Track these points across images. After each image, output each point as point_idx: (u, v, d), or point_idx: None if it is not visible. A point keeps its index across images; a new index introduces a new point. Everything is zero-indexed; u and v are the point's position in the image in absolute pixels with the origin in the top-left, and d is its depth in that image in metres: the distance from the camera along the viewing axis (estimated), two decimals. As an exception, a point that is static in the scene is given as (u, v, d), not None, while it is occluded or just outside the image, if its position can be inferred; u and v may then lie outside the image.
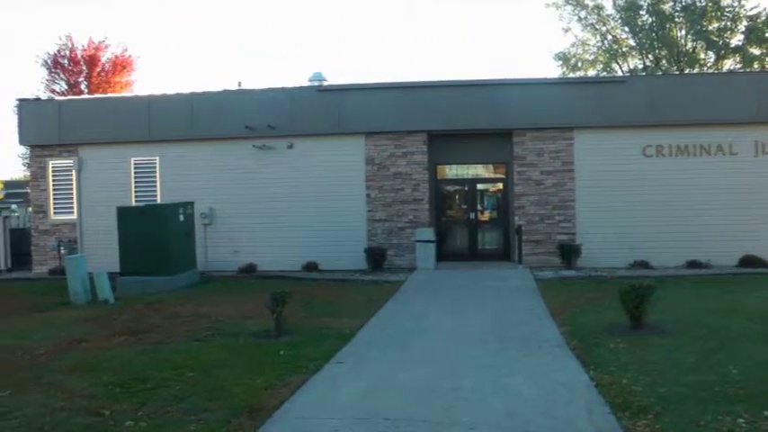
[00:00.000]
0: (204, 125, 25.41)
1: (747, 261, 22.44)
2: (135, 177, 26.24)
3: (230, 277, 23.54)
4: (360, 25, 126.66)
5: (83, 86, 55.95)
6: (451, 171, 25.92)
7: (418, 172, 24.53)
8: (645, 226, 23.21)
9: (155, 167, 26.07)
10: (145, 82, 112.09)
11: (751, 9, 46.42)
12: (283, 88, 25.52)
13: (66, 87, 56.22)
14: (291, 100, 25.08)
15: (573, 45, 52.22)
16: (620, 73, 49.00)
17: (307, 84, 26.30)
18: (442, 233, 25.02)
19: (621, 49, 50.89)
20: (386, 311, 15.85)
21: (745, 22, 46.47)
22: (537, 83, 24.84)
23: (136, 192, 26.09)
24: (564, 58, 51.90)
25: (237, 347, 12.27)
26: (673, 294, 16.39)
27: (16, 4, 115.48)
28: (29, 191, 31.50)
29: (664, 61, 48.45)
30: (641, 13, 48.72)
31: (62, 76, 57.15)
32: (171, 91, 26.54)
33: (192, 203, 23.21)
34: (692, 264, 22.57)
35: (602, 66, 51.32)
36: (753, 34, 45.73)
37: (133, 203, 25.20)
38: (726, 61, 47.34)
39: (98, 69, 56.79)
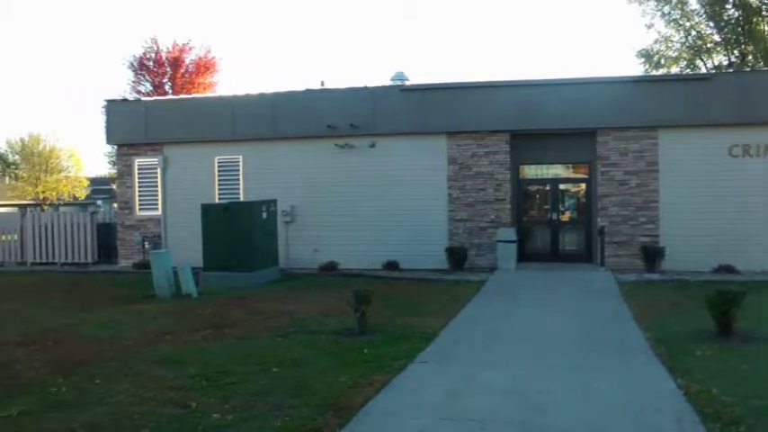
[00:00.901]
0: (287, 124, 25.63)
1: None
2: (218, 175, 26.63)
3: (311, 275, 23.67)
4: (440, 25, 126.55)
5: (167, 87, 56.90)
6: (533, 171, 25.64)
7: (500, 172, 24.35)
8: (730, 229, 22.58)
9: (238, 166, 26.41)
10: (228, 83, 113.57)
11: None
12: (365, 87, 25.60)
13: (151, 88, 57.27)
14: (374, 99, 25.13)
15: (656, 42, 51.05)
16: (704, 70, 47.83)
17: (389, 83, 26.32)
18: (523, 233, 24.78)
19: (706, 45, 49.62)
20: (468, 311, 15.74)
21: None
22: (620, 81, 24.34)
23: (219, 189, 26.51)
24: (647, 55, 50.82)
25: (320, 345, 12.31)
26: (761, 300, 15.91)
27: (103, 8, 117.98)
28: (114, 187, 32.24)
29: (750, 57, 47.04)
30: (727, 7, 47.24)
31: (147, 77, 58.25)
32: (254, 91, 26.77)
33: (274, 201, 23.41)
34: (781, 268, 21.92)
35: (685, 63, 50.10)
36: None
37: (216, 201, 25.56)
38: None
39: (182, 71, 57.72)
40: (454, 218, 24.50)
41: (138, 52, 59.39)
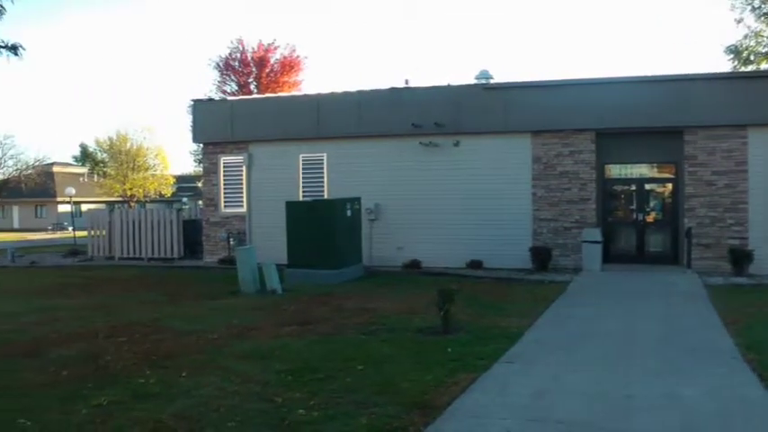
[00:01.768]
0: (371, 123, 25.70)
1: None
2: (303, 173, 26.84)
3: (394, 273, 23.71)
4: (526, 22, 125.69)
5: (252, 87, 57.56)
6: (619, 170, 25.19)
7: (585, 171, 24.00)
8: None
9: (322, 164, 26.58)
10: (312, 81, 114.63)
11: None
12: (450, 86, 25.56)
13: (236, 88, 58.02)
14: (458, 98, 25.04)
15: (745, 37, 49.56)
16: (796, 65, 46.43)
17: (473, 81, 26.16)
18: (608, 234, 24.31)
19: (798, 39, 48.20)
20: (553, 312, 15.56)
21: None
22: (708, 78, 23.80)
23: (303, 187, 26.74)
24: (735, 51, 49.35)
25: (405, 343, 12.27)
26: None
27: (189, 10, 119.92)
28: (199, 185, 32.80)
29: None
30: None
31: (233, 77, 59.11)
32: (339, 89, 26.93)
33: (358, 199, 23.48)
34: None
35: (776, 58, 48.75)
36: None
37: (300, 198, 25.74)
38: None
39: (267, 70, 58.40)
40: (538, 217, 24.26)
41: (224, 53, 60.29)
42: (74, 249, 34.87)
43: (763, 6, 47.70)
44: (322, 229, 21.38)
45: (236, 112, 28.32)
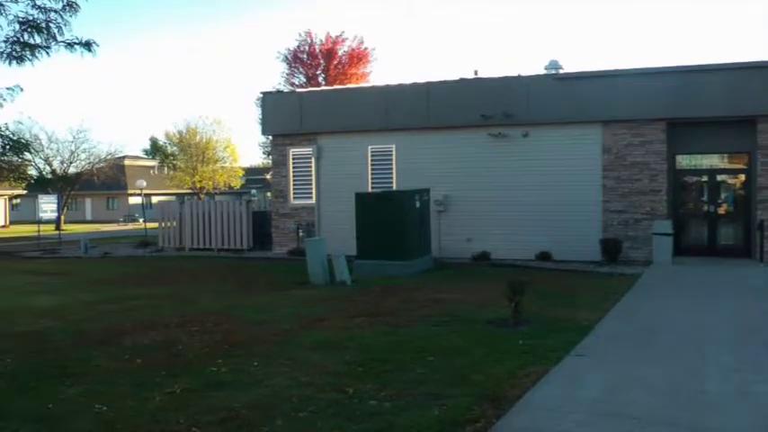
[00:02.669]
0: (440, 114, 25.65)
1: None
2: (371, 164, 26.91)
3: (463, 264, 23.68)
4: (596, 12, 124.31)
5: (320, 79, 57.82)
6: (690, 161, 24.80)
7: (656, 162, 23.65)
8: None
9: (391, 155, 26.63)
10: (380, 73, 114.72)
11: None
12: (519, 76, 25.37)
13: (304, 80, 58.32)
14: (527, 88, 24.89)
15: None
16: None
17: (543, 71, 25.94)
18: (678, 226, 23.91)
19: None
20: (623, 305, 15.36)
21: None
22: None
23: (372, 178, 26.78)
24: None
25: (475, 334, 12.22)
26: None
27: (258, 4, 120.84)
28: (268, 177, 33.07)
29: None
30: None
31: (301, 69, 59.45)
32: (407, 81, 26.93)
33: (427, 190, 23.45)
34: None
35: None
36: None
37: (369, 190, 25.79)
38: None
39: (335, 62, 58.58)
40: (608, 209, 23.98)
41: (293, 45, 60.68)
42: (145, 240, 35.41)
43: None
44: (391, 221, 21.39)
45: (305, 104, 28.49)
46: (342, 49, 59.03)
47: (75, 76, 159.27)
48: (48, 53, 14.17)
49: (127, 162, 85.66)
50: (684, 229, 24.45)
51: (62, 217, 54.14)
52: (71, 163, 68.53)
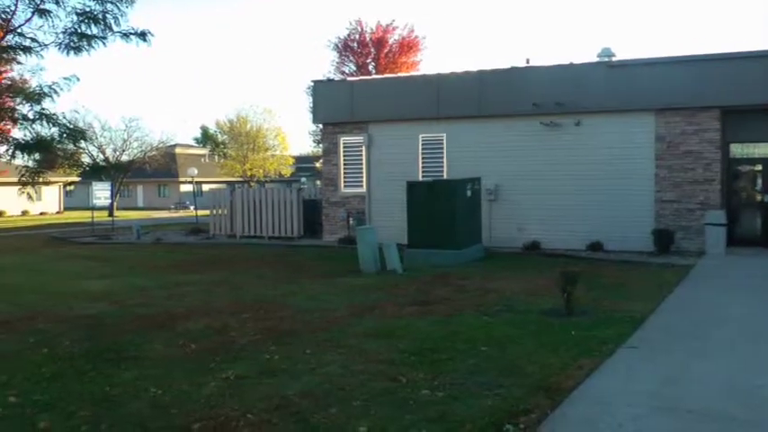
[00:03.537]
0: (491, 102, 25.52)
1: None
2: (422, 153, 26.88)
3: (514, 254, 23.59)
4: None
5: (370, 67, 57.85)
6: (742, 150, 24.40)
7: (710, 150, 23.25)
8: None
9: (442, 143, 26.57)
10: (431, 62, 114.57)
11: None
12: (571, 64, 25.17)
13: (354, 69, 58.40)
14: (579, 76, 24.66)
15: None
16: None
17: (595, 59, 25.68)
18: (732, 216, 23.55)
19: None
20: (676, 297, 15.17)
21: None
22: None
23: (423, 167, 26.74)
24: None
25: (527, 324, 12.16)
26: None
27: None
28: (317, 165, 33.21)
29: None
30: None
31: (351, 58, 59.53)
32: (458, 69, 26.83)
33: (479, 179, 23.35)
34: None
35: None
36: None
37: (420, 178, 25.77)
38: None
39: (386, 51, 58.55)
40: (661, 198, 23.67)
41: (343, 34, 60.76)
42: (196, 227, 35.77)
43: None
44: (443, 210, 21.30)
45: (356, 93, 28.54)
46: (392, 38, 58.97)
47: (127, 66, 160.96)
48: (104, 43, 14.49)
49: (178, 150, 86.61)
50: (737, 219, 24.09)
51: (115, 203, 54.82)
52: (123, 151, 69.57)
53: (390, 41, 59.02)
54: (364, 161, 28.12)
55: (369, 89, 28.80)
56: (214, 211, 33.04)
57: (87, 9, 14.06)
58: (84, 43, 14.36)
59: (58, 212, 68.67)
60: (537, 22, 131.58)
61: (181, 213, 64.66)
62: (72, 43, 14.29)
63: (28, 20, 14.22)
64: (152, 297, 16.09)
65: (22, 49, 14.79)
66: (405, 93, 27.38)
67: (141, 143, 71.19)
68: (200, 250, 27.58)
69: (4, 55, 15.31)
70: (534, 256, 23.10)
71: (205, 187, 77.36)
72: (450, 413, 7.62)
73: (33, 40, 14.53)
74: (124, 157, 68.94)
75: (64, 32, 14.22)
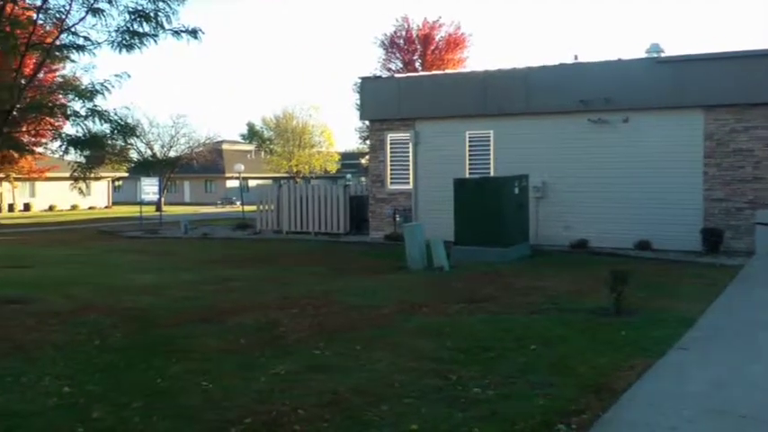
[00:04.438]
0: (539, 99, 25.40)
1: None
2: (469, 150, 26.85)
3: (561, 252, 23.51)
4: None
5: (417, 64, 57.87)
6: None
7: (760, 148, 22.92)
8: None
9: (489, 141, 26.52)
10: (477, 58, 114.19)
11: None
12: (620, 60, 24.95)
13: (401, 66, 58.47)
14: (627, 73, 24.46)
15: None
16: None
17: (643, 55, 25.46)
18: (782, 216, 23.25)
19: None
20: (727, 298, 14.92)
21: None
22: None
23: (469, 164, 26.72)
24: None
25: (576, 323, 12.11)
26: None
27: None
28: (363, 162, 33.34)
29: None
30: None
31: (398, 55, 59.65)
32: (505, 66, 26.76)
33: (526, 176, 23.26)
34: None
35: None
36: None
37: (467, 175, 25.74)
38: None
39: (432, 47, 58.58)
40: (710, 197, 23.41)
41: (389, 31, 60.89)
42: (243, 223, 36.00)
43: None
44: (490, 207, 21.27)
45: (403, 90, 28.59)
46: (439, 35, 58.97)
47: (175, 62, 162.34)
48: (155, 41, 14.72)
49: (225, 146, 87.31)
50: (788, 218, 23.73)
51: (162, 199, 55.46)
52: (171, 147, 70.32)
53: (437, 38, 59.02)
54: (411, 158, 28.13)
55: (415, 86, 28.86)
56: (261, 207, 33.30)
57: (140, 7, 14.31)
58: (137, 41, 14.60)
59: (106, 207, 69.61)
60: (585, 17, 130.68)
61: (227, 209, 65.22)
62: (124, 41, 14.54)
63: (82, 19, 14.49)
64: (200, 291, 16.28)
65: (75, 48, 15.07)
66: (451, 89, 27.37)
67: (188, 139, 72.02)
68: (248, 245, 27.82)
69: (58, 53, 15.59)
70: (581, 254, 23.02)
71: (251, 183, 77.91)
72: (501, 412, 7.61)
73: (87, 38, 14.84)
74: (172, 153, 69.80)
75: (117, 31, 14.48)
